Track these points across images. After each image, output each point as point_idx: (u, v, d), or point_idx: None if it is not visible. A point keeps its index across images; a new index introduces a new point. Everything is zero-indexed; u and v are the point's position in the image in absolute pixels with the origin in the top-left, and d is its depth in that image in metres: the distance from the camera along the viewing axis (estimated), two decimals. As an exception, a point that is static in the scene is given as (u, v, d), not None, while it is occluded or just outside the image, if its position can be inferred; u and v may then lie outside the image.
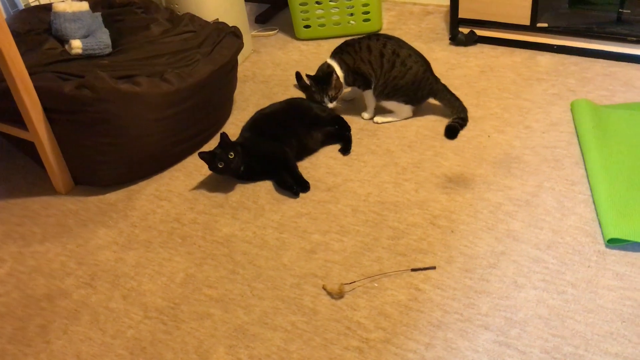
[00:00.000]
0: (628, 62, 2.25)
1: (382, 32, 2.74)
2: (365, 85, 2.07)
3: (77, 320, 1.55)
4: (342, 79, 2.08)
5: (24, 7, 2.33)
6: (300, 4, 2.68)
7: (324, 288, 1.53)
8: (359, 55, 2.05)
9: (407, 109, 2.09)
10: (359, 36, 2.11)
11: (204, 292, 1.58)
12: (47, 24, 2.09)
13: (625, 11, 2.30)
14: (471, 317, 1.41)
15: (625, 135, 1.85)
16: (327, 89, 2.05)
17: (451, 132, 1.99)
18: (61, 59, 1.95)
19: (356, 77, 2.07)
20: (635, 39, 2.21)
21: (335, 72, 2.06)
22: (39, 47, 1.99)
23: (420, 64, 2.02)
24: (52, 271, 1.71)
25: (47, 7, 2.17)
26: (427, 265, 1.55)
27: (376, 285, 1.52)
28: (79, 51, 1.98)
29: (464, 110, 2.04)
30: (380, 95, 2.06)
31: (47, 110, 1.84)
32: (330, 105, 2.08)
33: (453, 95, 2.05)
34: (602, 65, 2.26)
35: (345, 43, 2.11)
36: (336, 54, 2.11)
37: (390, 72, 2.00)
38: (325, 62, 2.11)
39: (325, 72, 2.07)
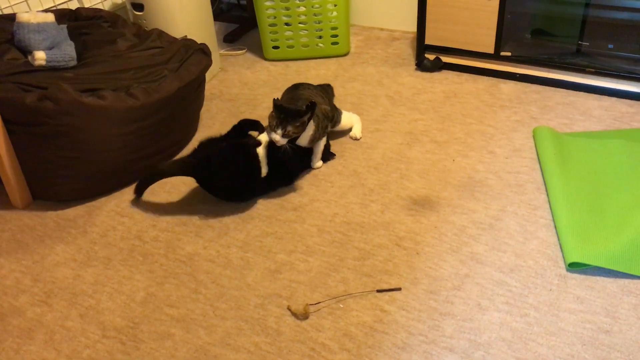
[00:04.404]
0: (586, 92, 2.33)
1: (349, 55, 2.77)
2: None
3: (30, 340, 1.49)
4: (313, 129, 1.88)
5: (-15, 17, 2.27)
6: (270, 25, 2.69)
7: (289, 309, 1.51)
8: (323, 124, 1.98)
9: (354, 115, 2.22)
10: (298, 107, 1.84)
11: (165, 311, 1.54)
12: (9, 34, 2.04)
13: (584, 43, 2.39)
14: (436, 339, 1.41)
15: (585, 163, 1.90)
16: (287, 123, 1.77)
17: None
18: (23, 70, 1.89)
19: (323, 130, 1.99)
20: (593, 70, 2.29)
21: (311, 115, 1.82)
22: (0, 57, 1.93)
23: (315, 87, 2.14)
24: (5, 288, 1.65)
25: (10, 17, 2.12)
26: (392, 287, 1.55)
27: (341, 306, 1.51)
28: (43, 62, 1.93)
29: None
30: (335, 124, 2.13)
31: (6, 121, 1.79)
32: (278, 138, 1.77)
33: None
34: (562, 94, 2.33)
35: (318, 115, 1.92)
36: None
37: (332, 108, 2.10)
38: (311, 100, 1.85)
39: (301, 108, 1.80)
